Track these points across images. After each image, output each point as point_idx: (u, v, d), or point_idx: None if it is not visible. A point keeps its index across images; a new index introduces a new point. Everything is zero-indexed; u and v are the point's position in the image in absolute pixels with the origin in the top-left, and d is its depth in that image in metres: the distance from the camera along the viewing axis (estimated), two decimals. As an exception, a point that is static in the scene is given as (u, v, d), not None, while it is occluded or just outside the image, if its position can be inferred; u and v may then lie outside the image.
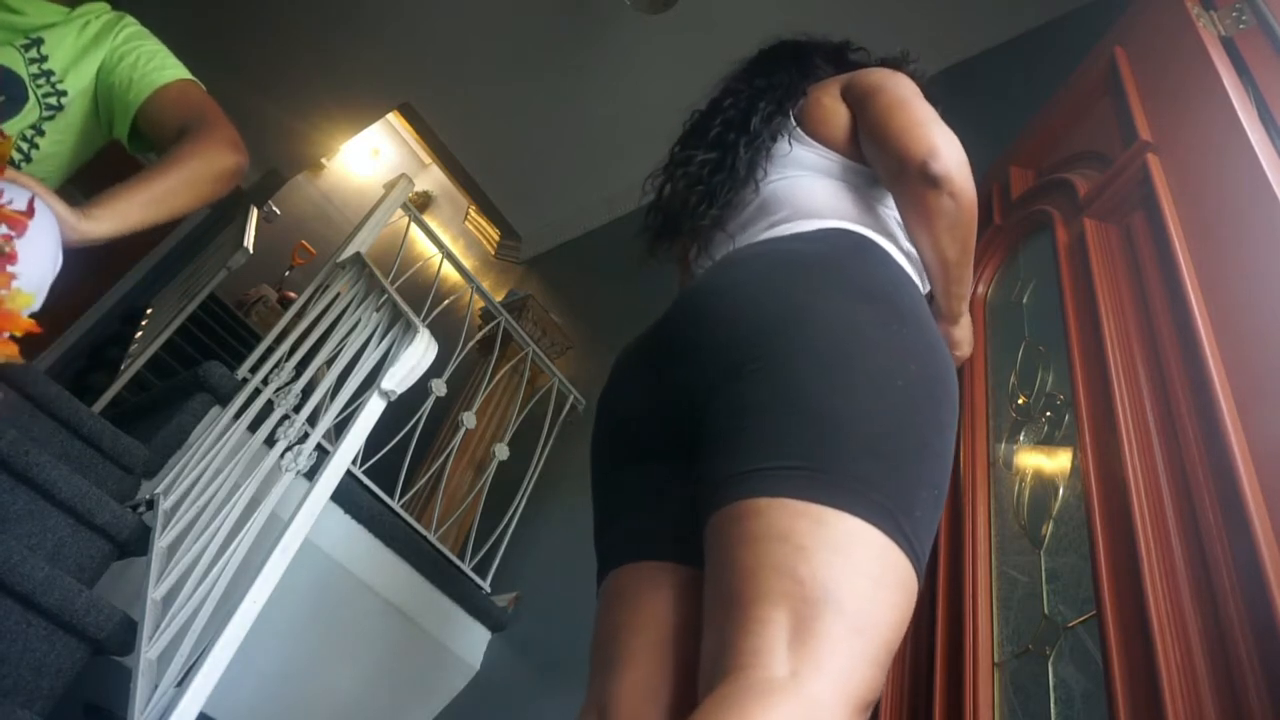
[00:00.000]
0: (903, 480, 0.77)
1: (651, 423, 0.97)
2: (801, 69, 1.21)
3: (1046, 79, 1.77)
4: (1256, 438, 0.87)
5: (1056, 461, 1.25)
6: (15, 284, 0.84)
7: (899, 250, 1.01)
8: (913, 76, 1.11)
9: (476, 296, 3.18)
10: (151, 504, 1.85)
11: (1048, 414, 1.31)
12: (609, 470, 1.03)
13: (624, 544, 0.96)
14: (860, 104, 1.07)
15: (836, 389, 0.79)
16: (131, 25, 1.40)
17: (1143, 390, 1.07)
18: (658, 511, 0.95)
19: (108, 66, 1.34)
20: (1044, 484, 1.25)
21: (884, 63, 1.23)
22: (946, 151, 0.95)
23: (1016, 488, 1.30)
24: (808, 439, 0.76)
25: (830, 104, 1.11)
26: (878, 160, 1.03)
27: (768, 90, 1.15)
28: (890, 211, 1.06)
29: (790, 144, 1.10)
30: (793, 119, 1.12)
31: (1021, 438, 1.35)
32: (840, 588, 0.69)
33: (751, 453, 0.77)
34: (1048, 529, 1.18)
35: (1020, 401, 1.39)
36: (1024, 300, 1.52)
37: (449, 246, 3.23)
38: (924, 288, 1.07)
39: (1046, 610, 1.11)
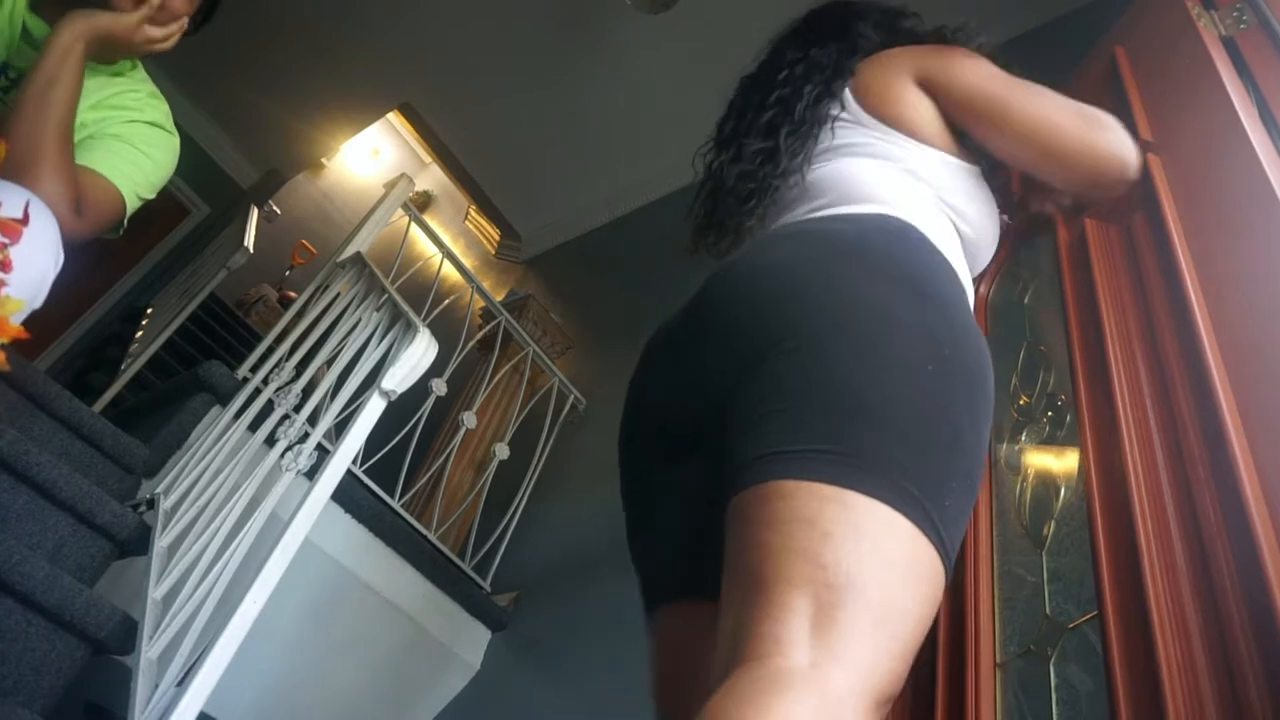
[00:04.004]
0: (933, 468, 0.74)
1: (682, 409, 0.95)
2: (850, 44, 1.16)
3: (1046, 79, 1.76)
4: (1257, 437, 0.87)
5: (1058, 462, 1.25)
6: (6, 290, 0.84)
7: (940, 238, 0.98)
8: (984, 53, 1.10)
9: (477, 296, 3.18)
10: (152, 503, 1.85)
11: (1049, 414, 1.31)
12: (639, 466, 1.01)
13: (668, 578, 0.93)
14: (968, 110, 1.05)
15: (868, 372, 0.77)
16: (155, 110, 1.30)
17: (1144, 390, 1.07)
18: (696, 529, 0.91)
19: (105, 95, 1.24)
20: (1046, 484, 1.25)
21: (941, 37, 1.19)
22: (1129, 154, 1.02)
23: (1018, 488, 1.30)
24: (838, 423, 0.74)
25: (900, 88, 1.07)
26: (1049, 176, 1.10)
27: (815, 70, 1.12)
28: (936, 193, 1.02)
29: (834, 131, 1.07)
30: (841, 101, 1.09)
31: (1023, 438, 1.35)
32: (865, 577, 0.67)
33: (780, 435, 0.75)
34: (1049, 529, 1.19)
35: (1022, 402, 1.39)
36: (1025, 300, 1.52)
37: (449, 246, 3.23)
38: (965, 277, 1.02)
39: (1049, 610, 1.11)
